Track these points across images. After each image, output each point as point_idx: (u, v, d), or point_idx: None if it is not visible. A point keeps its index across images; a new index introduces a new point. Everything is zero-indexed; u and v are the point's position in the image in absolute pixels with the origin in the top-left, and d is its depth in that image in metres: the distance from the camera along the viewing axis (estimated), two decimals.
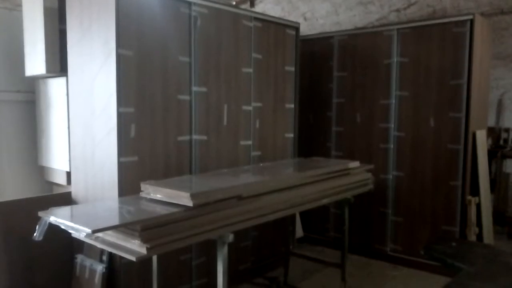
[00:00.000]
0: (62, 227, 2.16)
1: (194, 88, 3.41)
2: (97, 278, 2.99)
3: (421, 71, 4.32)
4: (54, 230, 2.29)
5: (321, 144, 5.05)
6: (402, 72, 4.44)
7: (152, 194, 2.55)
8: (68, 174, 3.42)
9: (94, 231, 2.01)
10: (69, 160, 3.36)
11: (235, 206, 2.62)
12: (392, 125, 4.52)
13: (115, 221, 2.24)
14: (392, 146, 4.54)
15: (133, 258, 2.10)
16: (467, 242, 3.68)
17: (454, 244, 2.78)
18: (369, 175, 3.81)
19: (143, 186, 2.62)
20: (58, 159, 3.50)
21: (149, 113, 3.12)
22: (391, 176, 4.55)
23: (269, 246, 4.29)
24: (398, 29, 4.43)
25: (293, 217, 4.50)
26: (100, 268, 2.98)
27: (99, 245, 2.33)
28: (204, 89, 3.48)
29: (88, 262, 3.08)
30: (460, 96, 4.09)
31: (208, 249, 3.52)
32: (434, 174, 4.29)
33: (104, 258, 3.01)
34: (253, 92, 3.91)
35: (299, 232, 4.99)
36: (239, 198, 2.65)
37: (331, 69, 4.92)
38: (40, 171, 3.80)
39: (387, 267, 4.48)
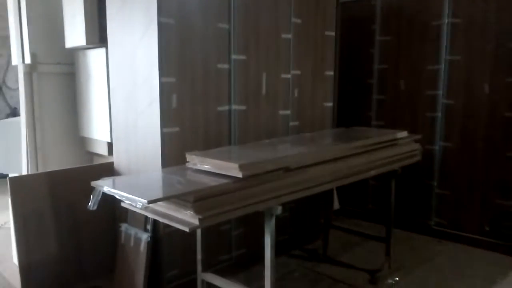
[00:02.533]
0: (117, 197, 2.32)
1: (234, 56, 3.47)
2: (142, 247, 3.19)
3: (475, 33, 4.22)
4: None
5: (361, 113, 5.06)
6: (454, 34, 4.34)
7: (199, 165, 2.65)
8: (109, 144, 3.61)
9: (150, 202, 2.14)
10: (110, 131, 3.54)
11: (282, 177, 2.69)
12: (441, 92, 4.46)
13: (168, 192, 2.37)
14: (439, 114, 4.50)
15: (186, 229, 2.22)
16: None
17: None
18: (418, 145, 3.82)
19: (189, 156, 2.74)
20: (99, 130, 3.69)
21: (190, 82, 3.22)
22: (437, 147, 4.53)
23: (306, 218, 4.41)
24: None
25: (331, 189, 4.59)
26: (145, 237, 3.18)
27: (150, 215, 2.47)
28: (243, 57, 3.54)
29: (132, 231, 3.28)
30: None
31: (247, 220, 3.64)
32: (487, 144, 4.23)
33: (149, 227, 3.21)
34: (292, 59, 3.95)
35: (335, 204, 5.08)
36: (287, 169, 2.72)
37: (373, 33, 4.87)
38: (81, 142, 4.02)
39: (431, 242, 4.51)
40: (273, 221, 2.62)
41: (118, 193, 2.30)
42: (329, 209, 4.27)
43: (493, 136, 4.21)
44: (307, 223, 4.45)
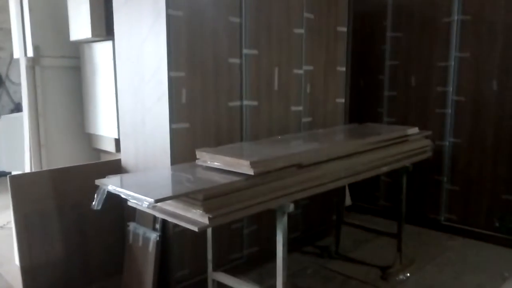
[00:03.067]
0: (122, 196, 2.07)
1: (245, 51, 3.22)
2: (151, 246, 2.93)
3: (484, 30, 4.00)
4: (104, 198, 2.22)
5: (372, 109, 4.81)
6: (463, 32, 4.11)
7: (209, 162, 2.44)
8: (117, 141, 3.34)
9: (157, 201, 1.91)
10: (118, 127, 3.27)
11: (295, 174, 2.49)
12: (451, 89, 4.23)
13: (177, 190, 2.14)
14: (449, 111, 4.26)
15: (195, 229, 2.01)
16: None
17: None
18: (428, 141, 3.62)
19: (199, 153, 2.52)
20: (106, 126, 3.42)
21: (200, 77, 2.97)
22: (447, 143, 4.31)
23: (318, 214, 4.17)
24: None
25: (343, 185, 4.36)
26: (154, 236, 2.92)
27: (157, 215, 2.26)
28: (255, 52, 3.28)
29: (141, 230, 3.02)
30: None
31: (259, 217, 3.42)
32: (495, 140, 4.03)
33: (157, 226, 2.95)
34: (305, 54, 3.68)
35: (347, 200, 4.84)
36: (299, 166, 2.52)
37: (384, 29, 4.62)
38: (87, 138, 3.74)
39: (441, 237, 4.30)
40: (285, 219, 2.40)
41: (123, 192, 2.05)
42: (341, 205, 4.02)
43: (501, 132, 4.01)
44: (319, 220, 4.20)
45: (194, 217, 2.07)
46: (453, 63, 4.19)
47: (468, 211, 4.24)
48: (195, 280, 3.09)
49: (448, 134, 4.30)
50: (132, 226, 3.09)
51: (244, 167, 2.24)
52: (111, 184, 2.14)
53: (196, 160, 2.53)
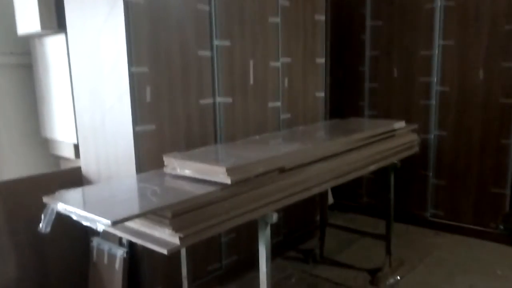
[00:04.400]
0: (74, 217, 1.72)
1: (216, 42, 2.89)
2: (118, 264, 2.59)
3: (469, 16, 3.77)
4: None
5: (353, 102, 4.54)
6: (447, 18, 3.87)
7: (179, 170, 2.11)
8: (76, 146, 2.96)
9: (114, 223, 1.58)
10: (76, 131, 2.89)
11: (277, 180, 2.19)
12: (435, 79, 4.00)
13: (139, 207, 1.81)
14: (434, 102, 4.04)
15: (164, 251, 1.70)
16: None
17: None
18: (415, 136, 3.38)
19: (167, 159, 2.19)
20: (63, 130, 3.03)
21: (166, 72, 2.63)
22: (432, 136, 4.09)
23: (300, 216, 3.89)
24: None
25: None
26: (120, 252, 2.58)
27: (120, 234, 1.92)
28: (227, 43, 2.96)
29: (106, 246, 2.67)
30: None
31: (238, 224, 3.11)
32: (482, 132, 3.83)
33: (124, 241, 2.60)
34: (281, 45, 3.37)
35: (329, 198, 4.57)
36: (281, 170, 2.21)
37: (363, 18, 4.34)
38: (44, 144, 3.33)
39: (428, 234, 4.09)
40: (268, 230, 2.13)
41: (74, 212, 1.70)
42: (325, 206, 3.75)
43: (488, 123, 3.82)
44: (302, 222, 3.92)
45: (163, 237, 1.75)
46: (436, 51, 3.96)
47: (456, 206, 4.05)
48: None
49: (433, 126, 4.08)
50: (96, 241, 2.73)
51: (219, 174, 1.94)
52: (63, 202, 1.78)
53: (164, 168, 2.19)
